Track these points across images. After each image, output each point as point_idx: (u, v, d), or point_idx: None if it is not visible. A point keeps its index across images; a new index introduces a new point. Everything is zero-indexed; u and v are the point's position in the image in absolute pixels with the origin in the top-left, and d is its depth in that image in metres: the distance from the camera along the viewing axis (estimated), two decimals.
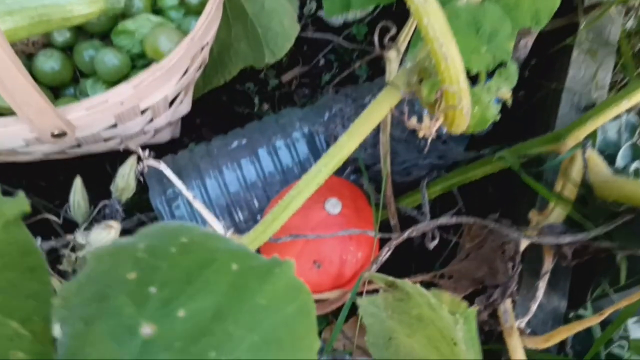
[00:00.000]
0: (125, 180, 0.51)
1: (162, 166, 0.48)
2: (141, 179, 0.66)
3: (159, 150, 0.69)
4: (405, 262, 0.69)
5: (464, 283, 0.50)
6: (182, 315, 0.19)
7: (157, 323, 0.19)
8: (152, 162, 0.49)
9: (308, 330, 0.20)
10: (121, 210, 0.52)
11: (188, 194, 0.48)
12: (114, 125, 0.57)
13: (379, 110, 0.42)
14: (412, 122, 0.33)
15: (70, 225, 0.58)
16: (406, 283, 0.26)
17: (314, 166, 0.45)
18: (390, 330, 0.30)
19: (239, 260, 0.20)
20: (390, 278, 0.27)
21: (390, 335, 0.31)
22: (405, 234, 0.51)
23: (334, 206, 0.53)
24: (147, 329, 0.19)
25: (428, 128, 0.32)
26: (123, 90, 0.53)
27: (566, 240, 0.47)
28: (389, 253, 0.53)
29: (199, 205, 0.47)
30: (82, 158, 0.65)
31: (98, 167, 0.71)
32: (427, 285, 0.60)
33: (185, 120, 0.75)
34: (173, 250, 0.21)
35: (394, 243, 0.52)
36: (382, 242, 0.56)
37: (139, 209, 0.70)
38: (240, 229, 0.62)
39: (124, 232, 0.68)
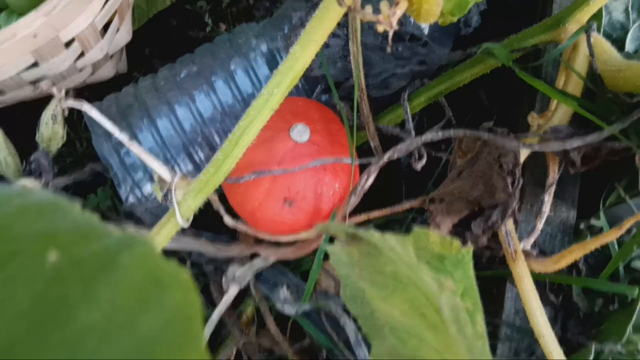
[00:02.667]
0: (50, 128, 0.43)
1: (85, 107, 0.40)
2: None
3: (104, 89, 0.60)
4: (395, 188, 0.62)
5: (458, 206, 0.44)
6: None
7: None
8: (73, 103, 0.41)
9: (182, 355, 0.12)
10: (51, 163, 0.44)
11: (122, 136, 0.40)
12: (35, 64, 0.49)
13: (333, 6, 0.33)
14: (367, 13, 0.25)
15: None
16: (372, 234, 0.19)
17: (264, 88, 0.37)
18: (363, 292, 0.24)
19: (63, 245, 0.13)
20: (351, 229, 0.20)
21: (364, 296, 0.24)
22: (385, 157, 0.44)
23: (300, 133, 0.45)
24: None
25: (387, 18, 0.24)
26: (33, 20, 0.44)
27: (574, 144, 0.40)
28: (370, 180, 0.46)
29: (137, 150, 0.40)
30: (12, 107, 0.57)
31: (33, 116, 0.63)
32: (419, 211, 0.53)
33: (132, 51, 0.66)
34: None
35: (373, 168, 0.44)
36: (364, 169, 0.49)
37: (92, 158, 0.63)
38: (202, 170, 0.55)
39: (75, 185, 0.61)
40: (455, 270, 0.24)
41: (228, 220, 0.48)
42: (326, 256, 0.53)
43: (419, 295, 0.18)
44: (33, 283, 0.12)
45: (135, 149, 0.40)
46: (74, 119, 0.63)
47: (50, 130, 0.44)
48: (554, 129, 0.45)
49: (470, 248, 0.25)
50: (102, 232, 0.13)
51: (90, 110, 0.40)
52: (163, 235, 0.38)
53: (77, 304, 0.12)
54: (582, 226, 0.51)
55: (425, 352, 0.20)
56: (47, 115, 0.44)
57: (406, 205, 0.46)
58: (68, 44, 0.49)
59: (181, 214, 0.38)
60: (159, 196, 0.39)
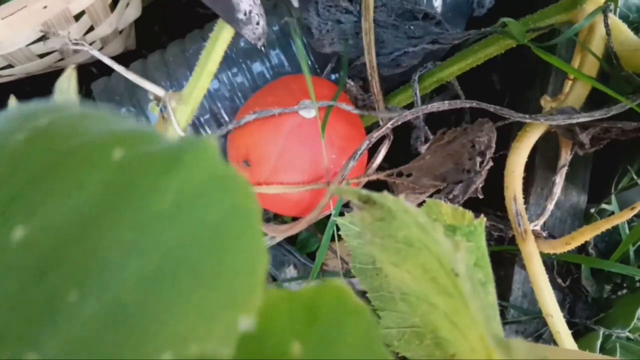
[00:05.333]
0: (64, 96, 0.43)
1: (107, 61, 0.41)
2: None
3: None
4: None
5: (424, 181, 0.43)
6: (18, 236, 0.12)
7: None
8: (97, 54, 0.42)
9: (243, 246, 0.13)
10: None
11: (118, 66, 0.44)
12: (45, 37, 0.48)
13: None
14: None
15: None
16: (386, 197, 0.19)
17: None
18: (374, 258, 0.24)
19: (126, 144, 0.13)
20: (365, 192, 0.20)
21: (375, 263, 0.24)
22: (390, 123, 0.43)
23: (308, 109, 0.45)
24: None
25: None
26: None
27: (580, 119, 0.39)
28: (380, 154, 0.45)
29: (131, 76, 0.42)
30: (22, 81, 0.57)
31: (43, 89, 0.63)
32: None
33: (141, 28, 0.65)
34: (19, 137, 0.14)
35: (375, 135, 0.44)
36: (373, 150, 0.49)
37: None
38: None
39: None
40: (457, 251, 0.24)
41: None
42: (333, 238, 0.53)
43: (431, 259, 0.18)
44: (102, 172, 0.13)
45: (130, 75, 0.43)
46: (83, 94, 0.63)
47: (64, 98, 0.43)
48: (561, 110, 0.45)
49: (482, 220, 0.24)
50: (162, 135, 0.14)
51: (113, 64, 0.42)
52: None
53: (145, 192, 0.13)
54: (592, 210, 0.51)
55: (434, 317, 0.20)
56: (62, 83, 0.43)
57: (372, 176, 0.46)
58: (78, 17, 0.49)
59: (177, 120, 0.42)
60: (156, 112, 0.41)
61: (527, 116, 0.41)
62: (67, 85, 0.46)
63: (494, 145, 0.43)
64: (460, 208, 0.25)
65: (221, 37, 0.43)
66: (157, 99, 0.43)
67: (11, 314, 0.12)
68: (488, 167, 0.43)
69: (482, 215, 0.24)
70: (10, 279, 0.12)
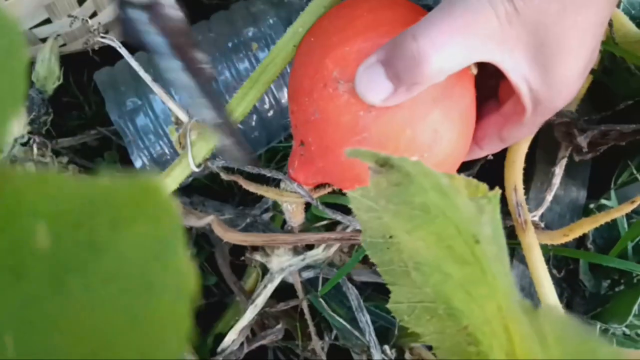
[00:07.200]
0: (46, 65, 0.43)
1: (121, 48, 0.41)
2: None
3: (116, 54, 0.60)
4: None
5: None
6: None
7: None
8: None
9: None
10: (45, 102, 0.43)
11: (145, 75, 0.42)
12: (48, 21, 0.48)
13: None
14: None
15: None
16: (405, 160, 0.19)
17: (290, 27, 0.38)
18: (386, 227, 0.23)
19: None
20: (383, 154, 0.20)
21: (388, 232, 0.24)
22: None
23: None
24: None
25: None
26: None
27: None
28: None
29: (157, 89, 0.41)
30: None
31: None
32: None
33: None
34: None
35: None
36: None
37: (101, 123, 0.62)
38: None
39: (83, 147, 0.61)
40: (481, 214, 0.24)
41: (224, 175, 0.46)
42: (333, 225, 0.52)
43: (448, 226, 0.18)
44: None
45: (156, 88, 0.41)
46: (84, 82, 0.63)
47: (47, 68, 0.43)
48: (559, 113, 0.45)
49: (497, 191, 0.24)
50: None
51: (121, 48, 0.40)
52: (173, 176, 0.39)
53: None
54: (591, 206, 0.51)
55: (447, 287, 0.20)
56: (44, 53, 0.43)
57: None
58: (81, 2, 0.49)
59: (193, 155, 0.39)
60: (174, 136, 0.39)
61: None
62: (48, 56, 0.46)
63: None
64: (475, 180, 0.25)
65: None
66: (179, 123, 0.41)
67: None
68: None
69: (497, 187, 0.24)
70: None
